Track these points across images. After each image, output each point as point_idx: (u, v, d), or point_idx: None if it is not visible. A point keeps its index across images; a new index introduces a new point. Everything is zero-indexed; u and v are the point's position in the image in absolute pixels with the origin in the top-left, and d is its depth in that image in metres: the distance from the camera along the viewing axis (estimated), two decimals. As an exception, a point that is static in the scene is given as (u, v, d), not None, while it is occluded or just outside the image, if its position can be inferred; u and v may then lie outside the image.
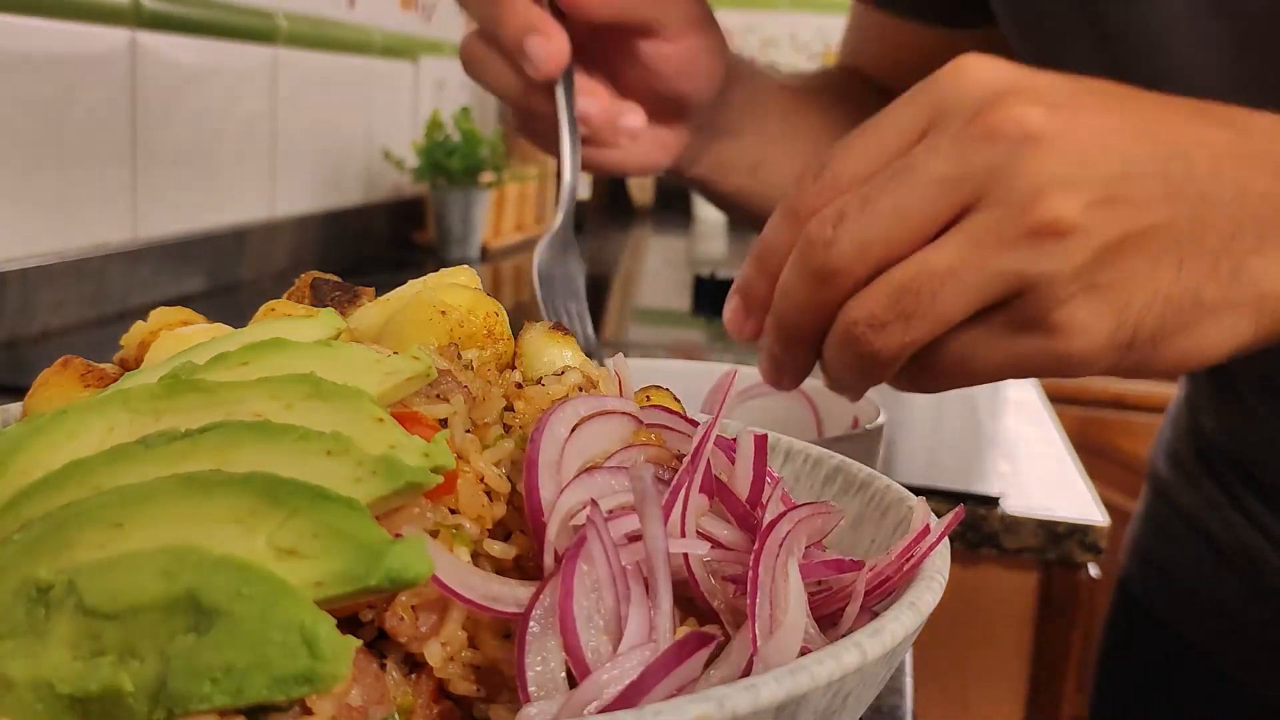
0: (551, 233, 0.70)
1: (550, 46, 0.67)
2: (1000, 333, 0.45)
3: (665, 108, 0.75)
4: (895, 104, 0.48)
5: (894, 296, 0.45)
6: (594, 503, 0.34)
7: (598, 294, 1.90)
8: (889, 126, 0.47)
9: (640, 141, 0.75)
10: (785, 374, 0.51)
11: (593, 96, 0.72)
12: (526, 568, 0.36)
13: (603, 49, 0.74)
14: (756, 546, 0.35)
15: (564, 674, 0.31)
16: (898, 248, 0.45)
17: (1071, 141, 0.44)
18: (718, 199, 0.86)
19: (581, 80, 0.72)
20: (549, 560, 0.34)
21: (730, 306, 0.53)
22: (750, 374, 0.73)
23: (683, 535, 0.36)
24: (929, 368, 0.47)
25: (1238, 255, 0.45)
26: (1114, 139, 0.45)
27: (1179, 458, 0.88)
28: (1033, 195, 0.43)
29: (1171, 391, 0.94)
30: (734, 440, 0.41)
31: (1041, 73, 0.47)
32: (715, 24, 0.75)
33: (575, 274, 0.70)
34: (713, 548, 0.37)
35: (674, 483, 0.36)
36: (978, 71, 0.46)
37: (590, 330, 0.69)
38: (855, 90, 0.88)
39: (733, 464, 0.40)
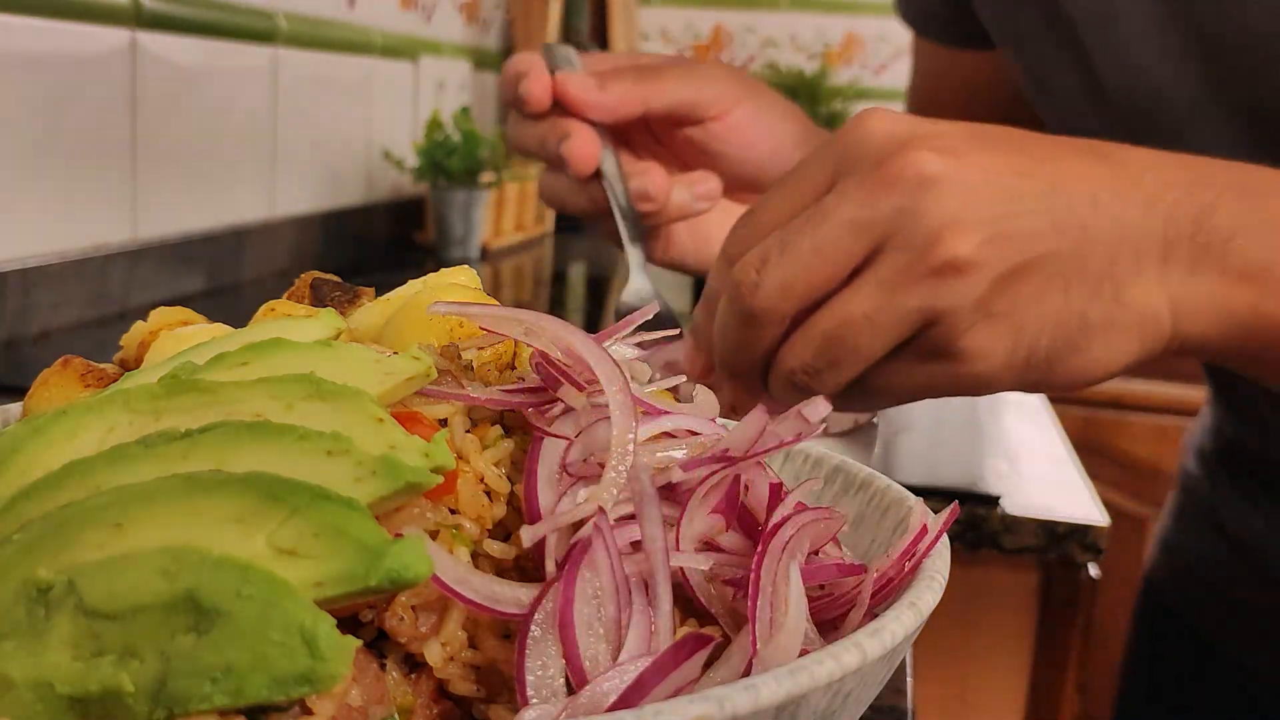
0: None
1: (575, 143, 0.71)
2: (914, 362, 0.50)
3: (744, 183, 0.77)
4: (809, 156, 0.52)
5: (821, 347, 0.49)
6: (601, 511, 0.34)
7: (598, 294, 1.90)
8: (804, 176, 0.51)
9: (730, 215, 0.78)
10: (738, 408, 0.55)
11: (648, 175, 0.73)
12: (527, 568, 0.36)
13: (667, 142, 0.76)
14: (759, 550, 0.35)
15: (563, 680, 0.31)
16: (817, 287, 0.49)
17: (963, 183, 0.48)
18: None
19: (639, 165, 0.73)
20: (550, 566, 0.34)
21: (685, 346, 0.57)
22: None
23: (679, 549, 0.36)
24: (860, 393, 0.52)
25: (1118, 279, 0.49)
26: (1001, 178, 0.48)
27: (1205, 455, 0.89)
28: (932, 237, 0.47)
29: (1170, 393, 0.94)
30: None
31: (938, 121, 0.51)
32: (763, 91, 0.77)
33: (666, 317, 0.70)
34: (714, 551, 0.37)
35: (683, 500, 0.36)
36: (879, 123, 0.50)
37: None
38: None
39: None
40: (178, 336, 0.42)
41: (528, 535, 0.34)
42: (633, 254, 0.72)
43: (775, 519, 0.37)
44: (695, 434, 0.39)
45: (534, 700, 0.31)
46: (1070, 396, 2.23)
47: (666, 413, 0.39)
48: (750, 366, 0.52)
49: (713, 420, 0.41)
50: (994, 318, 0.48)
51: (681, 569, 0.35)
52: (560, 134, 0.71)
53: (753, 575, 0.34)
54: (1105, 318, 0.49)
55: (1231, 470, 0.85)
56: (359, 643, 0.30)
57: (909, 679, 0.60)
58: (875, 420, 0.65)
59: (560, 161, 0.72)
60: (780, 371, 0.51)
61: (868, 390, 0.51)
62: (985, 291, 0.48)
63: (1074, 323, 0.49)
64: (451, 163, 1.84)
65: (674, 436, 0.39)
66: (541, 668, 0.31)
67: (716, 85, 0.74)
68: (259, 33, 1.53)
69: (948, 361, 0.49)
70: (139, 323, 0.44)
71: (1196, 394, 2.37)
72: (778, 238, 0.50)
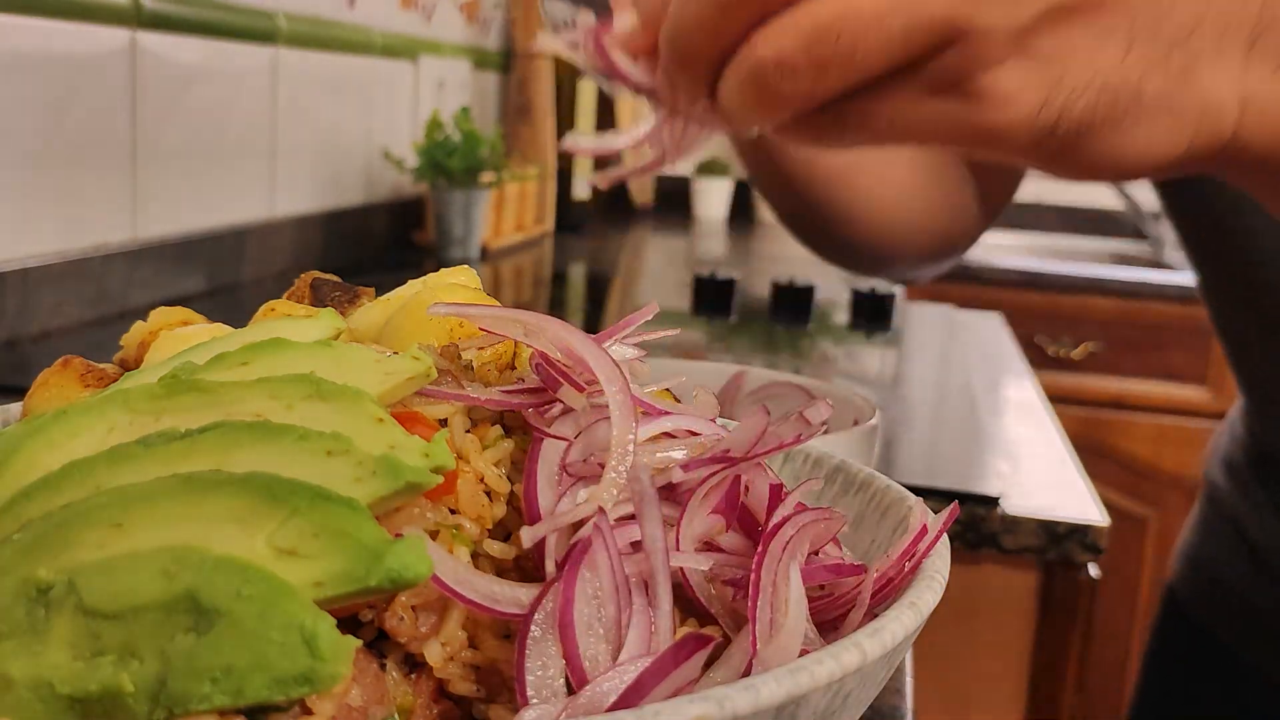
0: None
1: None
2: (916, 92, 0.40)
3: None
4: None
5: (810, 38, 0.39)
6: (601, 511, 0.34)
7: (598, 294, 1.90)
8: None
9: None
10: (678, 108, 0.44)
11: None
12: (526, 568, 0.36)
13: None
14: (760, 550, 0.35)
15: (562, 680, 0.31)
16: None
17: None
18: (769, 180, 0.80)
19: None
20: (549, 567, 0.34)
21: (624, 19, 0.44)
22: (756, 375, 0.73)
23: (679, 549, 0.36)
24: (833, 123, 0.42)
25: (1192, 53, 0.40)
26: None
27: (1234, 466, 0.88)
28: None
29: (1171, 393, 0.94)
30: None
31: None
32: None
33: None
34: (715, 552, 0.37)
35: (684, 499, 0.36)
36: None
37: None
38: None
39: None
40: (178, 336, 0.42)
41: (528, 536, 0.34)
42: None
43: (775, 519, 0.37)
44: (695, 434, 0.39)
45: (534, 700, 0.31)
46: (1070, 397, 2.23)
47: (667, 413, 0.39)
48: (707, 50, 0.41)
49: (712, 420, 0.41)
50: (1031, 57, 0.39)
51: (682, 569, 0.35)
52: None
53: (753, 576, 0.34)
54: (1164, 95, 0.40)
55: (1265, 483, 0.85)
56: (359, 643, 0.30)
57: (909, 679, 0.60)
58: (875, 421, 0.65)
59: None
60: (744, 63, 0.40)
61: (844, 119, 0.41)
62: (1030, 20, 0.39)
63: (1125, 91, 0.40)
64: (451, 163, 1.84)
65: (674, 436, 0.39)
66: (541, 668, 0.31)
67: None
68: (259, 33, 1.53)
69: (958, 99, 0.40)
70: (139, 323, 0.44)
71: (1197, 394, 2.36)
72: None
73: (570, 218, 2.40)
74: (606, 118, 2.51)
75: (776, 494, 0.38)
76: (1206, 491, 0.93)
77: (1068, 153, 0.41)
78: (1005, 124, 0.40)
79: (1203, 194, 0.79)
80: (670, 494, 0.37)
